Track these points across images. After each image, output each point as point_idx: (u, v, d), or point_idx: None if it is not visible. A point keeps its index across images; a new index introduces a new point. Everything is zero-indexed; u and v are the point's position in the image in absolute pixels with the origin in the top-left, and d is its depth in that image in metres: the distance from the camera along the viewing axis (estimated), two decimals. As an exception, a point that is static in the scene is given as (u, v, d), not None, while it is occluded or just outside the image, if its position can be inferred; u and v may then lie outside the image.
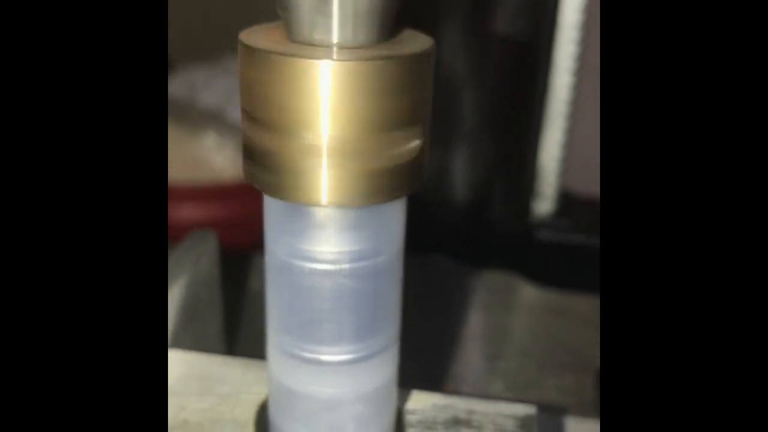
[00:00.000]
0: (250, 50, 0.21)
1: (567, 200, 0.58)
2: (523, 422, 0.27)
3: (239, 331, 0.43)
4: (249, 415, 0.27)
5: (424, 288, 0.49)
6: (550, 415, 0.30)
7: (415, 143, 0.22)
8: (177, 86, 0.82)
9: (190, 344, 0.32)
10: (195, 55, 0.87)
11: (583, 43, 0.53)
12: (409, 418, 0.27)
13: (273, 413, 0.26)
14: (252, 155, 0.22)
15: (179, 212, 0.69)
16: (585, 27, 0.53)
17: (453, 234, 0.55)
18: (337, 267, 0.23)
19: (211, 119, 0.78)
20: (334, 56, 0.20)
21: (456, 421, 0.27)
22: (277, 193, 0.22)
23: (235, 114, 0.80)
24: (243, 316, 0.45)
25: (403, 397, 0.28)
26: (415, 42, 0.22)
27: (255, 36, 0.22)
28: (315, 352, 0.24)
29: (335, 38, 0.21)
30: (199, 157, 0.75)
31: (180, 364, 0.30)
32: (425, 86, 0.22)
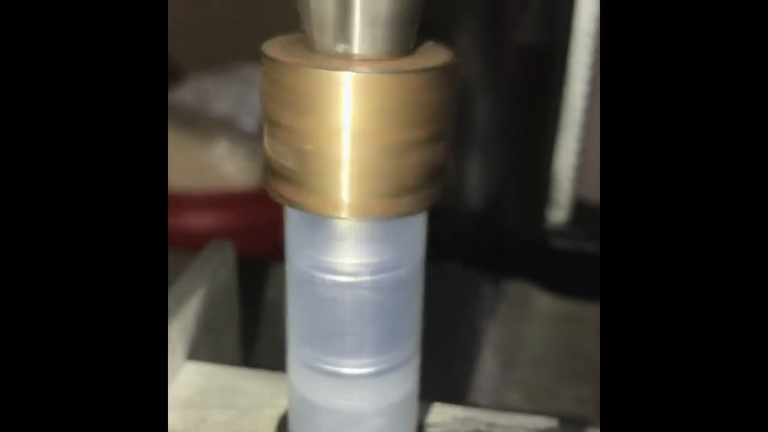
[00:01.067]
0: (271, 61, 0.21)
1: (581, 208, 0.58)
2: (545, 435, 0.27)
3: (255, 340, 0.43)
4: (270, 428, 0.27)
5: (438, 296, 0.49)
6: (571, 427, 0.30)
7: (437, 156, 0.22)
8: (188, 94, 0.83)
9: (208, 356, 0.32)
10: (206, 63, 0.87)
11: (598, 51, 0.53)
12: (430, 431, 0.27)
13: (293, 426, 0.26)
14: (273, 167, 0.22)
15: (189, 220, 0.69)
16: (599, 35, 0.53)
17: (467, 242, 0.55)
18: (359, 279, 0.23)
19: (222, 127, 0.78)
20: (357, 68, 0.20)
21: (477, 434, 0.27)
22: (299, 205, 0.22)
23: (247, 121, 0.80)
24: (258, 326, 0.45)
25: (423, 410, 0.28)
26: (437, 54, 0.22)
27: (276, 47, 0.22)
28: (336, 364, 0.24)
29: (357, 50, 0.21)
30: (210, 164, 0.75)
31: (199, 376, 0.30)
32: (446, 99, 0.22)
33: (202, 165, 0.74)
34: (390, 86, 0.20)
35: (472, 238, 0.56)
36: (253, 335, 0.44)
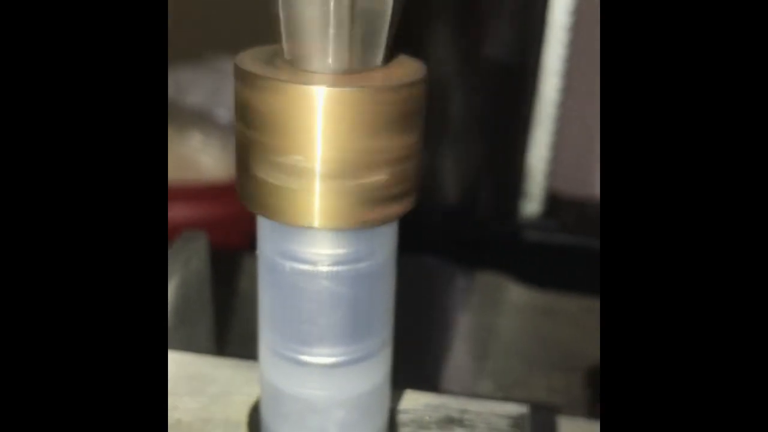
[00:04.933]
0: (244, 74, 0.21)
1: (554, 201, 0.58)
2: (516, 421, 0.27)
3: (229, 331, 0.43)
4: (241, 415, 0.27)
5: (412, 288, 0.49)
6: (543, 414, 0.30)
7: (410, 167, 0.22)
8: (163, 86, 0.82)
9: (182, 345, 0.32)
10: (180, 55, 0.86)
11: (572, 45, 0.53)
12: (402, 417, 0.27)
13: (264, 413, 0.26)
14: (245, 176, 0.22)
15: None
16: (574, 29, 0.53)
17: (441, 234, 0.55)
18: (323, 269, 0.23)
19: (197, 119, 0.77)
20: (330, 83, 0.21)
21: (449, 421, 0.27)
22: (270, 214, 0.22)
23: (221, 114, 0.80)
24: (232, 316, 0.45)
25: (395, 397, 0.28)
26: (409, 69, 0.22)
27: (250, 59, 0.22)
28: (299, 352, 0.24)
29: (331, 64, 0.21)
30: (186, 157, 0.74)
31: (171, 364, 0.29)
32: (419, 111, 0.22)
33: (176, 157, 0.74)
34: (364, 101, 0.21)
35: (446, 230, 0.56)
36: (227, 326, 0.44)
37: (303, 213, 0.22)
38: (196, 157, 0.75)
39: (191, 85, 0.83)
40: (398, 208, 0.23)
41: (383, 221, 0.23)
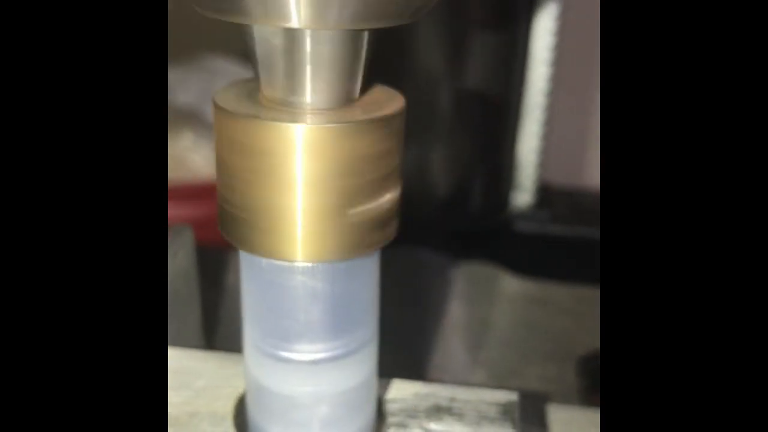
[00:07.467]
0: (223, 112, 0.21)
1: (545, 192, 0.58)
2: (505, 409, 0.27)
3: (216, 326, 0.43)
4: (227, 408, 0.27)
5: (405, 280, 0.49)
6: (532, 401, 0.30)
7: (389, 200, 0.22)
8: (152, 85, 0.82)
9: (169, 338, 0.32)
10: (171, 55, 0.86)
11: (560, 34, 0.53)
12: (391, 406, 0.27)
13: (249, 407, 0.26)
14: (226, 212, 0.22)
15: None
16: (562, 18, 0.53)
17: (433, 226, 0.55)
18: (299, 264, 0.23)
19: (187, 118, 0.77)
20: (308, 120, 0.20)
21: (438, 409, 0.27)
22: (253, 249, 0.22)
23: (211, 113, 0.79)
24: (219, 312, 0.45)
25: (384, 386, 0.28)
26: (386, 101, 0.22)
27: (228, 96, 0.22)
28: (280, 348, 0.24)
29: (308, 100, 0.21)
30: (176, 156, 0.74)
31: (157, 358, 0.29)
32: (397, 145, 0.22)
33: (168, 156, 0.74)
34: (342, 137, 0.21)
35: (438, 223, 0.56)
36: (215, 321, 0.43)
37: (286, 248, 0.22)
38: (187, 156, 0.74)
39: (181, 85, 0.83)
40: (380, 238, 0.23)
41: (365, 252, 0.22)
